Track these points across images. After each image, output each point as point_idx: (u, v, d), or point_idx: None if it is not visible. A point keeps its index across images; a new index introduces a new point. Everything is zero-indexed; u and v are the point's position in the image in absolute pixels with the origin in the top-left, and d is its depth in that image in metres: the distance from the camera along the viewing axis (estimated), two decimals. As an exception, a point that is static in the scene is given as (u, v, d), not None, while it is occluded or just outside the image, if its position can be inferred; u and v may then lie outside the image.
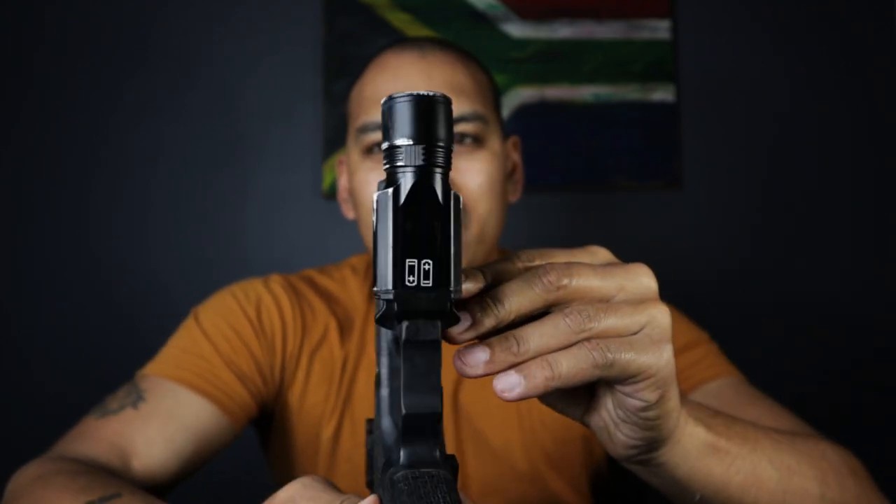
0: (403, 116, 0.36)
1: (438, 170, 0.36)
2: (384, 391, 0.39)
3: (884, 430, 1.44)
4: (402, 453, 0.36)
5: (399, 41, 0.87)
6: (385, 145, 0.36)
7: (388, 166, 0.36)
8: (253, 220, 1.46)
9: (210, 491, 1.18)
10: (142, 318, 1.41)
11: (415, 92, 0.36)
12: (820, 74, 1.52)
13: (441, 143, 0.36)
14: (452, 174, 0.78)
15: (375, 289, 0.36)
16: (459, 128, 0.78)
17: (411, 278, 0.35)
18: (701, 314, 0.90)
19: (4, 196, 1.45)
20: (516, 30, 1.49)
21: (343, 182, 0.90)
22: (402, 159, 0.35)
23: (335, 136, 1.45)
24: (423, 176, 0.36)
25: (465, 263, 0.79)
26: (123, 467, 0.69)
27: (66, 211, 1.45)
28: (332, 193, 1.44)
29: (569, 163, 1.48)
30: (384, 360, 0.39)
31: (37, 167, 1.45)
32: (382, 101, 0.36)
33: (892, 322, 1.49)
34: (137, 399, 0.74)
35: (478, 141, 0.80)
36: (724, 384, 0.78)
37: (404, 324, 0.36)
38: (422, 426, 0.36)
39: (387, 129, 0.36)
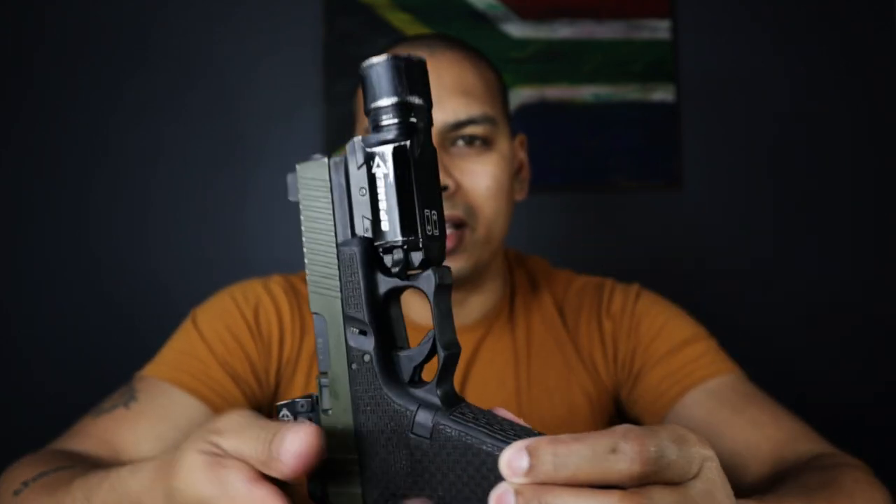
0: (415, 75, 0.37)
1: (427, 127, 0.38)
2: (374, 350, 0.37)
3: (884, 430, 1.44)
4: (438, 394, 0.37)
5: (407, 38, 0.87)
6: (393, 101, 0.36)
7: (396, 121, 0.36)
8: (253, 220, 1.46)
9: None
10: (142, 318, 1.41)
11: (413, 55, 0.37)
12: (820, 74, 1.52)
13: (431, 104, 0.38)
14: (460, 176, 0.78)
15: (395, 239, 0.36)
16: (468, 130, 0.78)
17: (429, 227, 0.37)
18: (701, 314, 0.90)
19: (4, 196, 1.45)
20: (516, 30, 1.49)
21: None
22: (413, 116, 0.37)
23: (335, 136, 1.45)
24: (428, 132, 0.38)
25: (470, 264, 0.79)
26: (113, 462, 0.70)
27: (66, 211, 1.44)
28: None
29: (569, 163, 1.48)
30: (368, 314, 0.38)
31: (37, 167, 1.45)
32: (382, 58, 0.37)
33: (893, 322, 1.49)
34: (130, 399, 0.75)
35: (486, 143, 0.79)
36: (723, 382, 0.78)
37: (433, 271, 0.37)
38: (450, 365, 0.37)
39: (394, 85, 0.36)
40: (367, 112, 0.38)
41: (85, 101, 1.46)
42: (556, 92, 1.48)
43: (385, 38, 1.44)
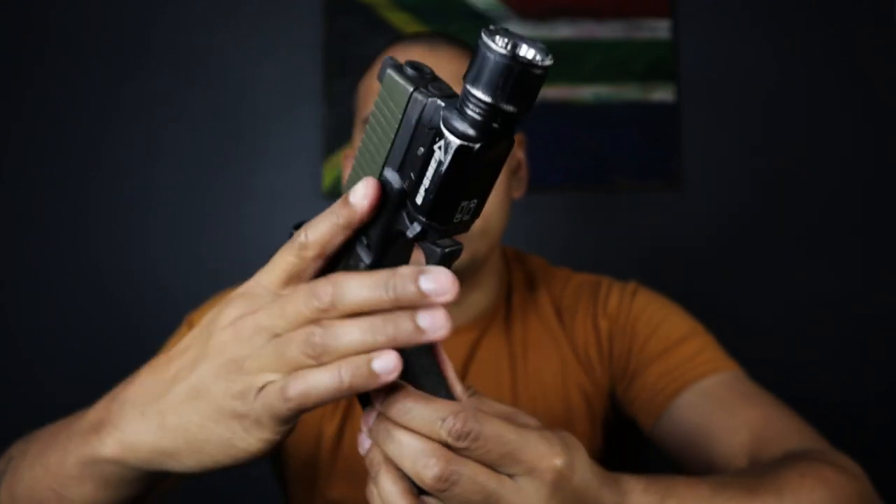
0: (525, 83, 0.35)
1: None
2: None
3: (884, 430, 1.44)
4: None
5: (408, 35, 0.87)
6: (487, 99, 0.34)
7: (479, 118, 0.35)
8: (253, 219, 1.46)
9: (208, 489, 1.18)
10: (141, 318, 1.41)
11: (537, 61, 0.35)
12: (820, 74, 1.52)
13: None
14: None
15: (420, 217, 0.37)
16: None
17: (459, 216, 0.38)
18: (700, 314, 0.89)
19: (4, 196, 1.45)
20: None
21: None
22: (497, 122, 0.35)
23: (335, 135, 1.45)
24: (509, 134, 0.37)
25: (468, 256, 0.78)
26: None
27: (67, 211, 1.45)
28: (331, 193, 1.44)
29: (569, 163, 1.48)
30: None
31: (37, 167, 1.45)
32: (503, 49, 0.34)
33: (893, 322, 1.49)
34: None
35: None
36: (718, 381, 0.77)
37: (439, 246, 0.39)
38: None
39: (496, 85, 0.34)
40: (464, 80, 0.35)
41: (85, 101, 1.46)
42: (556, 92, 1.48)
43: (385, 38, 1.44)
